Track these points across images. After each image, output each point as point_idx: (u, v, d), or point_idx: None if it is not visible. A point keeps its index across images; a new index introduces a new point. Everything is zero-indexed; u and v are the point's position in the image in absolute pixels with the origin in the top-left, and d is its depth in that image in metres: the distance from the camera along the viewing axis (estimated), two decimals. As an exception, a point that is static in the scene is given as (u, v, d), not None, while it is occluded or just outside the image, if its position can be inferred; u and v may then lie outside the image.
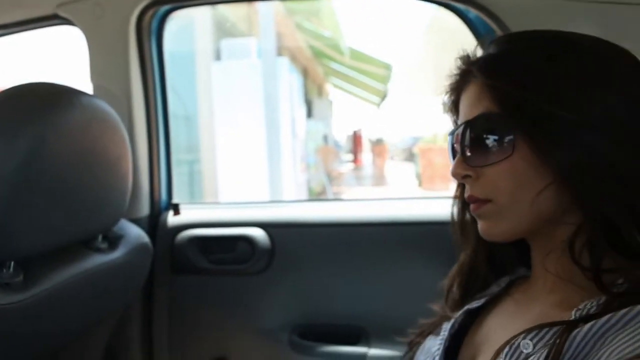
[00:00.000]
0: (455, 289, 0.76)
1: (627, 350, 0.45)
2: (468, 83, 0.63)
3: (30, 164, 0.75)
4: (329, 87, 13.80)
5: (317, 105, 11.74)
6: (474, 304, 0.71)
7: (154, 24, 1.33)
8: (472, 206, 0.62)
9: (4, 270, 0.78)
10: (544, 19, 1.06)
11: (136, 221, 1.24)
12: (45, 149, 0.77)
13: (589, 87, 0.55)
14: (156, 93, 1.37)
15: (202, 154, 6.24)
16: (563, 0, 1.03)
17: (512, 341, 0.54)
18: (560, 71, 0.56)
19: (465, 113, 0.63)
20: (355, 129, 15.79)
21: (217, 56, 6.32)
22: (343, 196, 10.04)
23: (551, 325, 0.53)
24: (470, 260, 0.74)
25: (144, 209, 1.35)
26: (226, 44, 6.39)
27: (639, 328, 0.46)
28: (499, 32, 1.09)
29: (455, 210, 0.74)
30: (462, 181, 0.64)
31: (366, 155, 16.67)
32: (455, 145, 0.64)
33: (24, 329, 0.80)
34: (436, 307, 0.80)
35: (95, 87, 1.28)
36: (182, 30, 5.80)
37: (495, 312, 0.69)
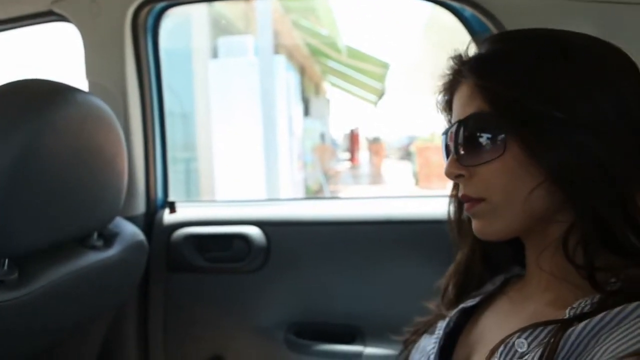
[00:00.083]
0: (451, 288, 0.76)
1: (621, 348, 0.45)
2: (460, 83, 0.63)
3: (25, 161, 0.74)
4: (326, 86, 13.80)
5: (314, 103, 11.74)
6: (469, 303, 0.71)
7: (150, 21, 1.33)
8: (466, 205, 0.63)
9: (-1, 268, 0.77)
10: (539, 17, 1.06)
11: (132, 219, 1.24)
12: (40, 146, 0.76)
13: (580, 87, 0.55)
14: (152, 90, 1.36)
15: (199, 152, 6.23)
16: (559, -1, 1.03)
17: (507, 340, 0.54)
18: (551, 70, 0.56)
19: (458, 112, 0.63)
20: (353, 128, 15.76)
21: (214, 54, 6.31)
22: (340, 195, 10.04)
23: (546, 324, 0.53)
24: (466, 259, 0.74)
25: (140, 207, 1.35)
26: (223, 41, 6.38)
27: (633, 326, 0.46)
28: (494, 31, 1.10)
29: (452, 208, 0.74)
30: (456, 180, 0.64)
31: (363, 154, 16.68)
32: (448, 144, 0.64)
33: (19, 327, 0.80)
34: (432, 305, 0.80)
35: (91, 85, 1.28)
36: (179, 27, 5.79)
37: (490, 310, 0.69)
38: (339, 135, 17.06)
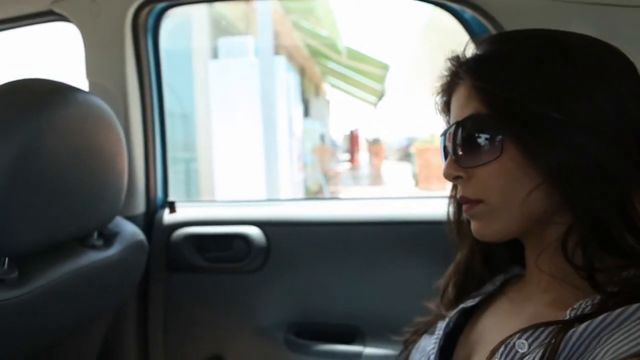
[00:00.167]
0: (450, 288, 0.76)
1: (622, 350, 0.45)
2: (458, 84, 0.63)
3: (25, 160, 0.74)
4: (326, 87, 13.79)
5: (314, 104, 11.74)
6: (469, 303, 0.71)
7: (150, 21, 1.33)
8: (464, 207, 0.63)
9: (-1, 267, 0.77)
10: (539, 19, 1.06)
11: (132, 219, 1.24)
12: (40, 145, 0.76)
13: (579, 87, 0.55)
14: (152, 90, 1.36)
15: (199, 152, 6.23)
16: (558, 1, 1.03)
17: (508, 341, 0.54)
18: (549, 71, 0.56)
19: (455, 114, 0.63)
20: (352, 129, 15.76)
21: (215, 54, 6.32)
22: (340, 196, 10.04)
23: (547, 324, 0.53)
24: (466, 260, 0.74)
25: (140, 207, 1.35)
26: (223, 42, 6.38)
27: (634, 327, 0.46)
28: (494, 33, 1.10)
29: (451, 209, 0.74)
30: (454, 182, 0.64)
31: (363, 155, 16.67)
32: (446, 146, 0.64)
33: (19, 325, 0.80)
34: (431, 305, 0.80)
35: (91, 84, 1.28)
36: (179, 27, 5.79)
37: (490, 311, 0.69)
38: (338, 136, 17.06)
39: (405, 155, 15.02)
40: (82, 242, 0.97)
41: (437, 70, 0.68)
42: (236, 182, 5.98)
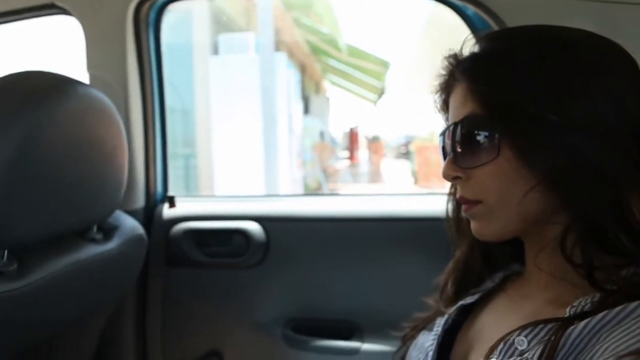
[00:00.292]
0: (450, 285, 0.76)
1: (621, 347, 0.45)
2: (455, 83, 0.63)
3: (25, 152, 0.74)
4: (326, 84, 13.78)
5: (314, 101, 11.72)
6: (468, 300, 0.71)
7: (152, 16, 1.32)
8: (463, 207, 0.63)
9: (-2, 259, 0.77)
10: (541, 16, 1.05)
11: (131, 213, 1.23)
12: (40, 137, 0.76)
13: (578, 86, 0.54)
14: (153, 85, 1.36)
15: (199, 148, 6.22)
16: (561, -2, 1.03)
17: (507, 338, 0.54)
18: (548, 70, 0.56)
19: (453, 114, 0.63)
20: (352, 126, 15.75)
21: (215, 50, 6.31)
22: (339, 192, 10.04)
23: (546, 322, 0.53)
24: (465, 257, 0.74)
25: (140, 201, 1.35)
26: (224, 38, 6.37)
27: (634, 325, 0.46)
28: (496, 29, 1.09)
29: (450, 207, 0.74)
30: (453, 182, 0.64)
31: (362, 153, 16.66)
32: (445, 145, 0.64)
33: (18, 318, 0.80)
34: (430, 300, 0.80)
35: (92, 78, 1.28)
36: (180, 23, 5.78)
37: (489, 308, 0.69)
38: (338, 133, 17.02)
39: (405, 153, 15.03)
40: (81, 236, 0.97)
41: (438, 68, 0.68)
42: (235, 179, 5.98)
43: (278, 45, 7.07)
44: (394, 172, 13.41)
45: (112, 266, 1.02)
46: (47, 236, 0.85)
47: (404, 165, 13.60)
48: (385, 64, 9.48)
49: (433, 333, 0.71)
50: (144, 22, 1.30)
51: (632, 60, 0.58)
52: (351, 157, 15.57)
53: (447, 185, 0.73)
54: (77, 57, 1.29)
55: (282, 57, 6.87)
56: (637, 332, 0.45)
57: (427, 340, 0.71)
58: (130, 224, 1.13)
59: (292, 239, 1.33)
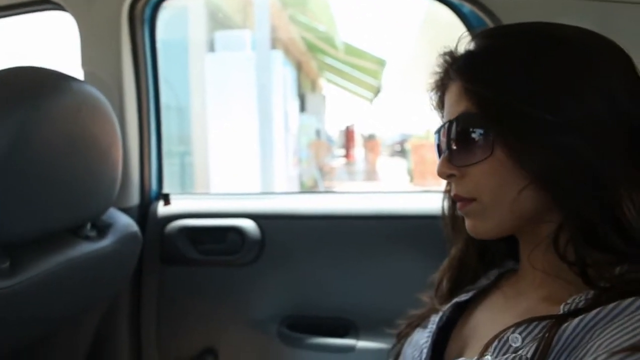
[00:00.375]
0: (445, 282, 0.76)
1: (615, 343, 0.45)
2: (450, 81, 0.63)
3: (18, 149, 0.74)
4: (322, 82, 13.78)
5: (310, 99, 11.70)
6: (463, 297, 0.71)
7: (147, 12, 1.32)
8: (458, 204, 0.63)
9: (-10, 256, 0.77)
10: (537, 13, 1.05)
11: (126, 210, 1.23)
12: (33, 133, 0.76)
13: (570, 86, 0.54)
14: (148, 81, 1.35)
15: (194, 146, 6.21)
16: (557, -4, 1.03)
17: (501, 335, 0.54)
18: (540, 70, 0.55)
19: (448, 112, 0.62)
20: (348, 124, 15.78)
21: (211, 47, 6.29)
22: (334, 190, 10.04)
23: (540, 319, 0.53)
24: (460, 254, 0.74)
25: (134, 199, 1.34)
26: (220, 35, 6.36)
27: (627, 322, 0.46)
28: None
29: (446, 204, 0.74)
30: (448, 180, 0.64)
31: (358, 151, 16.68)
32: (440, 143, 0.64)
33: (11, 315, 0.79)
34: (425, 297, 0.80)
35: (86, 74, 1.27)
36: (176, 19, 5.76)
37: (483, 305, 0.69)
38: (334, 131, 17.04)
39: (401, 151, 15.05)
40: (75, 233, 0.97)
41: (434, 66, 0.68)
42: (231, 176, 5.97)
43: (274, 43, 7.07)
44: (390, 170, 13.43)
45: (106, 264, 1.02)
46: (40, 233, 0.84)
47: (400, 163, 13.62)
48: (381, 62, 9.50)
49: (428, 330, 0.71)
50: (139, 18, 1.30)
51: (628, 59, 0.58)
52: (347, 155, 15.58)
53: (442, 183, 0.73)
54: (71, 53, 1.29)
55: (278, 55, 6.87)
56: (630, 328, 0.46)
57: (421, 338, 0.71)
58: (124, 222, 1.12)
59: (287, 237, 1.33)
